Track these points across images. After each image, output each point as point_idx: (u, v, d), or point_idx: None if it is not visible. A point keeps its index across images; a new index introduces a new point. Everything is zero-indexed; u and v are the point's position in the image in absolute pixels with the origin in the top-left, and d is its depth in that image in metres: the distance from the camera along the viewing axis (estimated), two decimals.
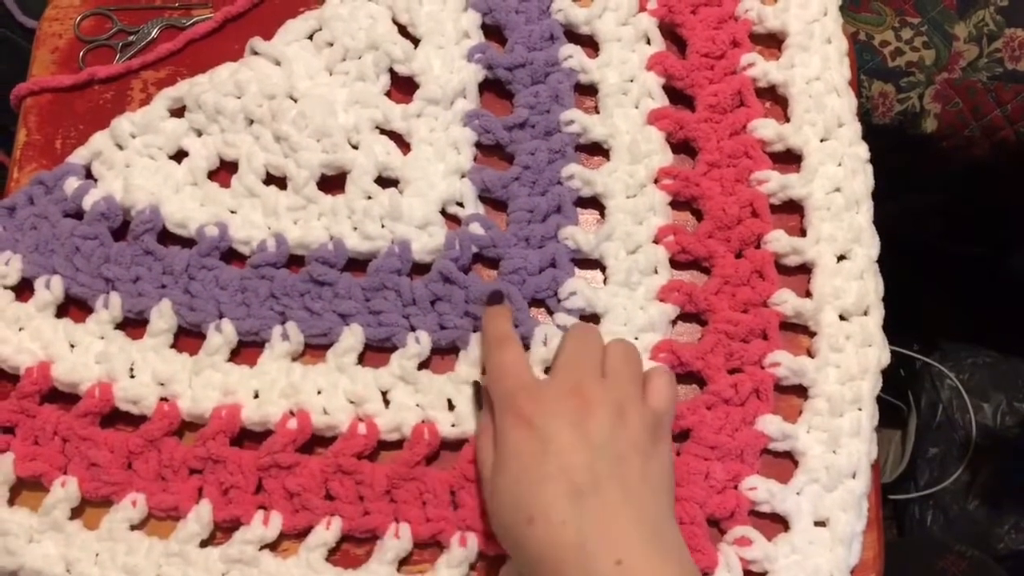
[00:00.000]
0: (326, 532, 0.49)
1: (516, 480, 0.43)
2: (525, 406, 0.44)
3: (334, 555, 0.50)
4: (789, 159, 0.56)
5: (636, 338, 0.52)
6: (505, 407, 0.45)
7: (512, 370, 0.46)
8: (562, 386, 0.45)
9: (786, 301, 0.53)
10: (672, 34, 0.58)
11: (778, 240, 0.54)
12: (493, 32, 0.58)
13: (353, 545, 0.50)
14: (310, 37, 0.57)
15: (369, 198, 0.54)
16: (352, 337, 0.52)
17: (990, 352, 1.16)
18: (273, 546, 0.50)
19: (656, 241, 0.54)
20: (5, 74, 0.66)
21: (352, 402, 0.51)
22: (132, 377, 0.52)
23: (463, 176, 0.55)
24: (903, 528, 1.14)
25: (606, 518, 0.41)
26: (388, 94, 0.57)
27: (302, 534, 0.50)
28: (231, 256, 0.54)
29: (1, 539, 0.49)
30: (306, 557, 0.49)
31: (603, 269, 0.54)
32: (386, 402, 0.51)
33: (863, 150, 0.55)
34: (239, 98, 0.55)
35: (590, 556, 0.40)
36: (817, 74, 0.56)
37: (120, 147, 0.55)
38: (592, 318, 0.53)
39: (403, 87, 0.57)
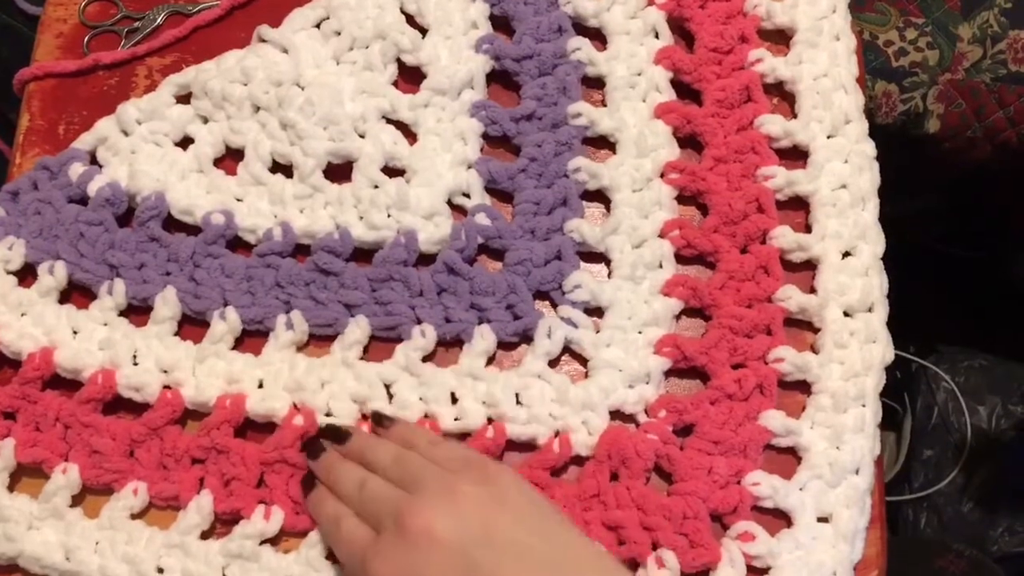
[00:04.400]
0: None
1: None
2: (381, 570, 0.42)
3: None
4: (796, 155, 0.56)
5: (640, 332, 0.52)
6: None
7: (352, 540, 0.45)
8: (390, 531, 0.43)
9: (790, 297, 0.53)
10: (680, 28, 0.59)
11: (783, 236, 0.54)
12: (501, 23, 0.58)
13: None
14: (318, 25, 0.57)
15: (376, 187, 0.54)
16: (358, 330, 0.52)
17: (986, 355, 1.16)
18: (274, 540, 0.49)
19: (661, 235, 0.54)
20: (6, 61, 0.66)
21: (355, 401, 0.51)
22: (135, 364, 0.51)
23: (469, 167, 0.55)
24: (897, 530, 1.14)
25: None
26: (395, 84, 0.57)
27: (303, 532, 0.49)
28: (237, 244, 0.54)
29: (2, 525, 0.49)
30: (306, 554, 0.48)
31: (608, 262, 0.54)
32: (389, 396, 0.51)
33: (870, 147, 0.55)
34: (246, 85, 0.55)
35: None
36: (825, 71, 0.56)
37: (126, 133, 0.55)
38: (596, 311, 0.53)
39: (410, 77, 0.57)
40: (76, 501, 0.50)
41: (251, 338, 0.53)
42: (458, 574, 0.41)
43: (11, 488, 0.50)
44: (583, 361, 0.53)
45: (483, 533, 0.42)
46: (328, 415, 0.51)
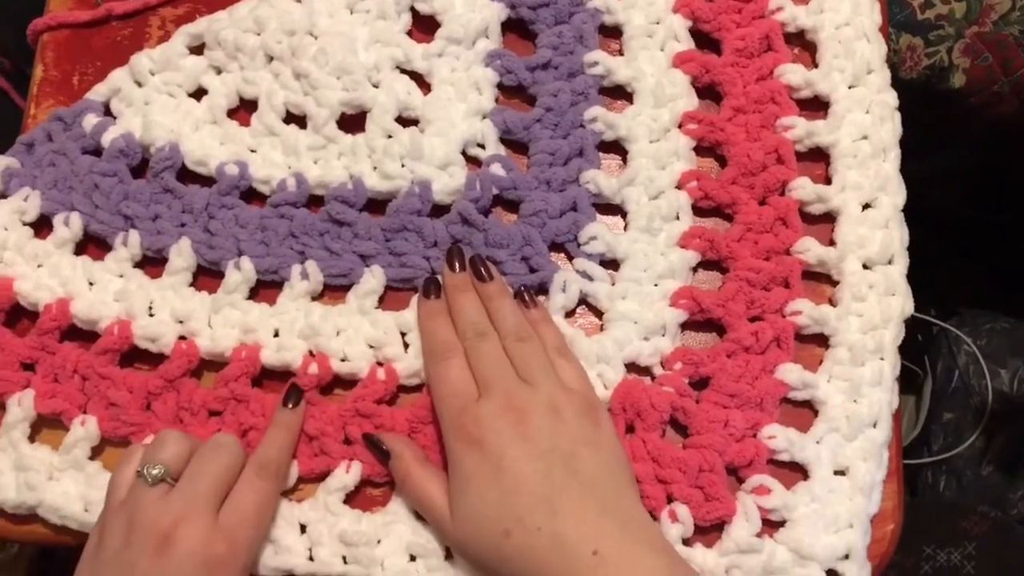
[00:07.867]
0: (346, 476, 0.49)
1: (481, 499, 0.44)
2: (472, 429, 0.45)
3: (353, 497, 0.50)
4: (816, 106, 0.55)
5: (656, 284, 0.52)
6: (454, 432, 0.46)
7: (456, 388, 0.48)
8: (496, 401, 0.46)
9: (809, 249, 0.52)
10: None
11: (803, 187, 0.53)
12: None
13: (372, 487, 0.50)
14: None
15: (389, 137, 0.54)
16: (373, 280, 0.52)
17: (1008, 318, 1.15)
18: (289, 490, 0.50)
19: (679, 187, 0.53)
20: (21, 15, 0.65)
21: (372, 347, 0.51)
22: (151, 315, 0.51)
23: (484, 117, 0.54)
24: (916, 492, 1.14)
25: (575, 516, 0.43)
26: (409, 33, 0.56)
27: (319, 477, 0.50)
28: (251, 195, 0.54)
29: (23, 474, 0.49)
30: (324, 499, 0.49)
31: (624, 214, 0.54)
32: (405, 345, 0.51)
33: (892, 97, 0.54)
34: (259, 35, 0.55)
35: (569, 553, 0.43)
36: (847, 19, 0.55)
37: (139, 84, 0.55)
38: (612, 264, 0.53)
39: (424, 26, 0.56)
40: (95, 453, 0.51)
41: (266, 288, 0.53)
42: (534, 473, 0.44)
43: (32, 439, 0.51)
44: (599, 313, 0.52)
45: (569, 455, 0.45)
46: (344, 360, 0.51)
